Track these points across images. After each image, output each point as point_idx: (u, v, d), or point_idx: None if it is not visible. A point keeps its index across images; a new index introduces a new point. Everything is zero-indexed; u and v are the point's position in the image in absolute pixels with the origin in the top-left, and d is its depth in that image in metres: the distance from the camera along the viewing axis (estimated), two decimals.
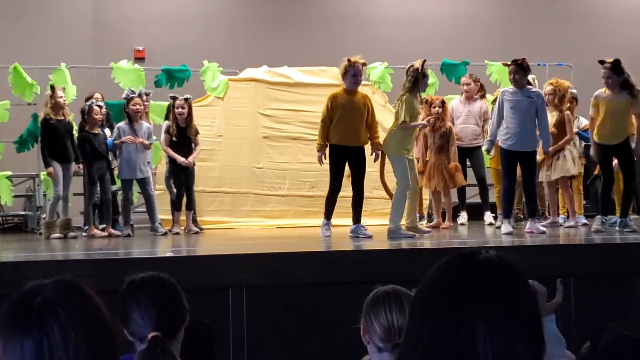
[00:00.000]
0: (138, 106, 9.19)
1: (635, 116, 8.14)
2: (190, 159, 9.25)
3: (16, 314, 1.46)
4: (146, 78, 10.50)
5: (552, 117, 9.16)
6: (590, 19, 14.30)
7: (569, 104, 9.21)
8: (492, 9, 14.28)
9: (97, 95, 9.75)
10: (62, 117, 9.02)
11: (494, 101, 9.41)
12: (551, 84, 9.21)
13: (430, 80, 10.83)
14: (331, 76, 10.79)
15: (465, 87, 9.98)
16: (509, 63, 8.19)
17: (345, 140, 7.95)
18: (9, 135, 10.08)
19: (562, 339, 2.25)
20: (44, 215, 9.88)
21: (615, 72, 8.07)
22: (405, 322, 2.51)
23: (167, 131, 9.26)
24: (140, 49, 13.21)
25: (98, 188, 9.02)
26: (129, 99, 9.14)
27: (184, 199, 9.37)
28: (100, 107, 9.13)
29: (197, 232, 9.20)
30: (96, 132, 9.08)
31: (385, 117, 10.64)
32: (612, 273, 6.36)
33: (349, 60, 8.12)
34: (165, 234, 9.00)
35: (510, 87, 8.17)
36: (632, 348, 2.70)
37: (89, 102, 9.16)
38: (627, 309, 6.20)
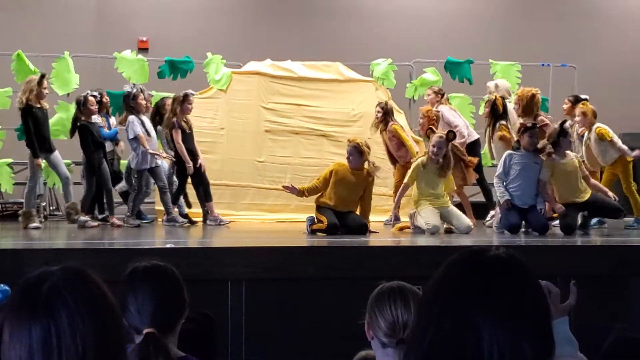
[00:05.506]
0: (146, 100, 9.21)
1: (585, 176, 8.30)
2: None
3: (24, 300, 1.46)
4: (149, 69, 10.48)
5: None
6: (595, 19, 14.29)
7: (581, 111, 9.21)
8: (497, 8, 14.26)
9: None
10: (40, 106, 8.81)
11: (487, 102, 9.36)
12: (517, 94, 9.25)
13: (433, 79, 10.86)
14: (335, 71, 10.79)
15: None
16: None
17: None
18: (11, 122, 10.05)
19: (575, 341, 2.24)
20: (44, 204, 9.87)
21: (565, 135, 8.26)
22: (410, 318, 2.50)
23: (180, 126, 9.13)
24: (144, 39, 13.19)
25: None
26: (136, 95, 9.06)
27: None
28: (95, 97, 9.10)
29: (227, 224, 9.23)
30: (92, 121, 9.06)
31: None
32: (612, 274, 6.36)
33: None
34: (183, 224, 9.02)
35: None
36: (636, 349, 2.70)
37: (84, 93, 9.13)
38: (628, 310, 6.21)
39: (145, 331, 2.51)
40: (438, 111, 9.61)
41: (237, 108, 10.41)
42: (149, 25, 13.24)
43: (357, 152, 8.16)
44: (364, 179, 8.22)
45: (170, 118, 9.15)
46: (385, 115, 9.57)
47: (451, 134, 8.46)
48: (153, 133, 9.16)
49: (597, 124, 9.08)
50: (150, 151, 8.88)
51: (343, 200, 8.15)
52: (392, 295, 2.60)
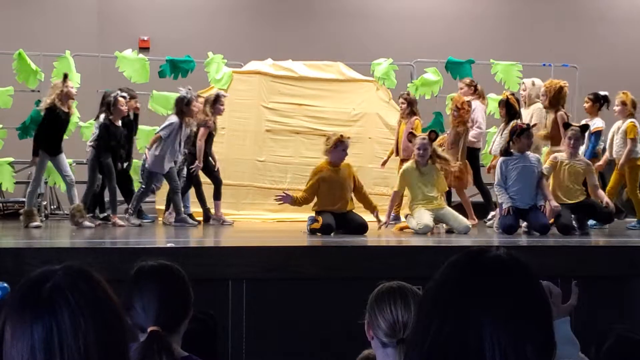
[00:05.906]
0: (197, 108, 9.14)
1: (591, 187, 8.32)
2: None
3: (26, 299, 1.45)
4: (150, 68, 10.48)
5: (548, 117, 9.17)
6: (597, 19, 14.27)
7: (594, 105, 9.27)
8: (498, 8, 14.25)
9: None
10: (67, 109, 8.75)
11: (501, 103, 9.34)
12: (545, 85, 9.22)
13: (434, 78, 10.85)
14: (336, 71, 10.79)
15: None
16: None
17: None
18: (12, 121, 10.06)
19: (576, 342, 2.24)
20: (45, 203, 9.85)
21: (583, 137, 8.34)
22: (410, 318, 2.51)
23: (209, 127, 9.17)
24: (145, 38, 13.18)
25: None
26: (190, 100, 8.97)
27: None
28: (125, 97, 9.06)
29: (230, 224, 9.26)
30: (118, 124, 9.05)
31: (390, 114, 10.65)
32: (614, 275, 6.36)
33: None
34: (195, 225, 9.01)
35: None
36: (636, 350, 2.70)
37: (114, 93, 9.08)
38: (628, 310, 6.21)
39: (149, 329, 2.51)
40: (470, 101, 9.61)
41: (238, 107, 10.40)
42: (150, 24, 13.24)
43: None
44: (348, 169, 8.25)
45: (203, 118, 9.14)
46: (410, 105, 9.66)
47: (433, 134, 8.49)
48: (182, 145, 9.08)
49: (632, 119, 9.03)
50: (146, 150, 8.90)
51: (339, 199, 8.14)
52: (392, 295, 2.60)
